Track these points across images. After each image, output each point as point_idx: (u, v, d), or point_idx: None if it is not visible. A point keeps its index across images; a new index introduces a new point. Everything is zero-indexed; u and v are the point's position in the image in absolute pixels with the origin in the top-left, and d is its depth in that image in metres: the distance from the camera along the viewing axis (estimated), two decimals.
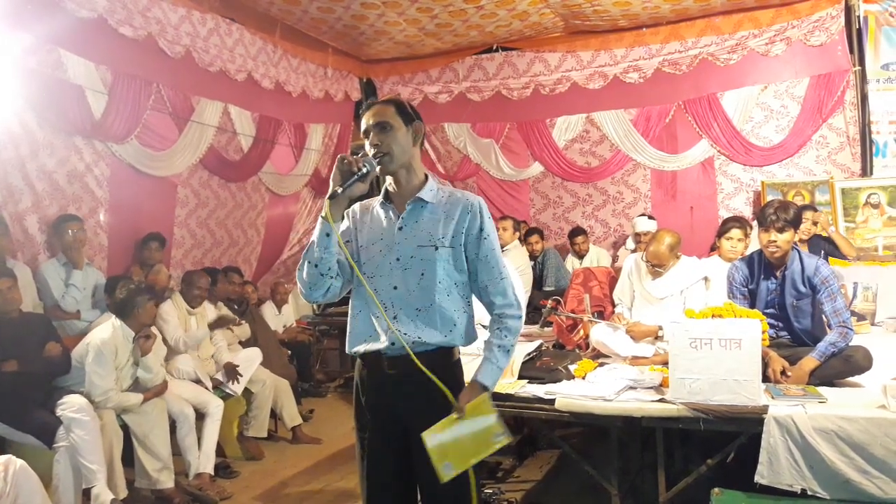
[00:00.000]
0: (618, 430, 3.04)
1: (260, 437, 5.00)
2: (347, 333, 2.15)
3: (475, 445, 1.94)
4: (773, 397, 2.80)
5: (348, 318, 2.16)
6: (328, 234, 1.98)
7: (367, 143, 2.09)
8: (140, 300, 4.00)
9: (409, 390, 2.05)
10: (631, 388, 3.08)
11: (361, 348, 2.10)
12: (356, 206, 2.20)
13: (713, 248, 5.30)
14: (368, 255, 2.10)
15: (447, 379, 2.02)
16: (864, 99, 6.01)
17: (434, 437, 1.91)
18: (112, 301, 4.31)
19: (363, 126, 2.09)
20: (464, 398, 2.00)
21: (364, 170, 1.97)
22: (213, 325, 4.99)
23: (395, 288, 2.06)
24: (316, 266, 2.01)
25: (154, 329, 4.19)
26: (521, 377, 3.33)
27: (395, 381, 2.06)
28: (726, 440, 2.85)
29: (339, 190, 1.95)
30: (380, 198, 2.18)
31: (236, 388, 4.75)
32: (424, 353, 2.01)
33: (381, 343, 2.05)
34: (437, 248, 2.05)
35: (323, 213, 1.98)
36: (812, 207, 5.33)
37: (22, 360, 3.63)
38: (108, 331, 3.91)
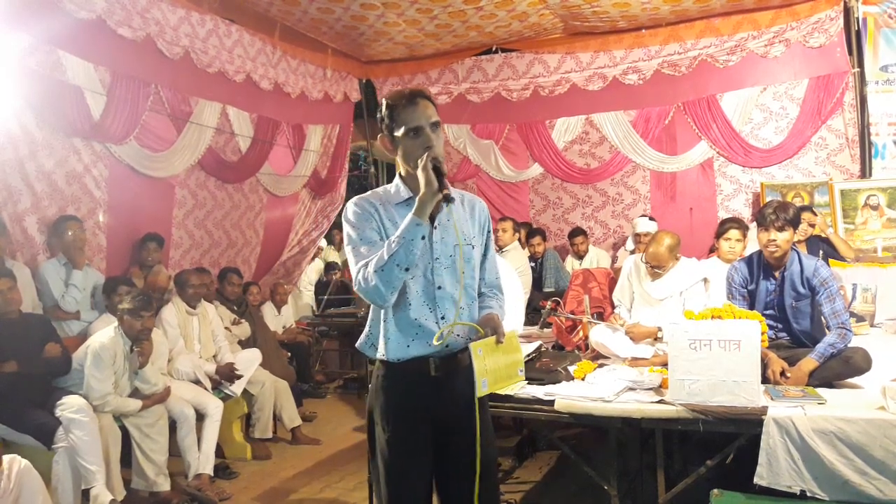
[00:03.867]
0: (617, 432, 3.03)
1: (266, 438, 5.01)
2: (383, 340, 2.06)
3: (506, 371, 2.01)
4: (772, 398, 2.80)
5: (378, 324, 2.08)
6: (424, 237, 1.92)
7: (408, 141, 1.99)
8: (142, 313, 3.96)
9: (451, 391, 2.05)
10: (630, 389, 3.08)
11: (406, 354, 2.03)
12: (376, 204, 2.07)
13: (712, 250, 5.30)
14: None
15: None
16: (863, 100, 6.02)
17: (480, 350, 1.95)
18: (111, 305, 4.31)
19: (412, 122, 1.98)
20: (500, 326, 2.02)
21: (445, 168, 1.96)
22: None
23: (440, 288, 2.04)
24: (407, 270, 1.92)
25: (154, 335, 4.18)
26: None
27: (439, 383, 2.05)
28: (725, 441, 2.85)
29: (447, 191, 1.90)
30: (396, 195, 2.09)
31: (236, 388, 4.75)
32: (465, 351, 2.05)
33: (432, 346, 2.01)
34: (473, 247, 2.11)
35: (416, 216, 1.90)
36: (809, 209, 5.34)
37: (21, 361, 3.64)
38: (108, 335, 3.91)
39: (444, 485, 2.14)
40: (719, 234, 4.48)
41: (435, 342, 1.98)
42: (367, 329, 2.14)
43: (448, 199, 1.91)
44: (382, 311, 2.06)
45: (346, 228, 2.06)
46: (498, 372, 1.98)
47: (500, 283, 2.26)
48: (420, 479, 2.08)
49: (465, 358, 2.04)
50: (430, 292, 2.03)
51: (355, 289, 1.96)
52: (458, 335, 2.05)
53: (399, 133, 2.01)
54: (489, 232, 2.21)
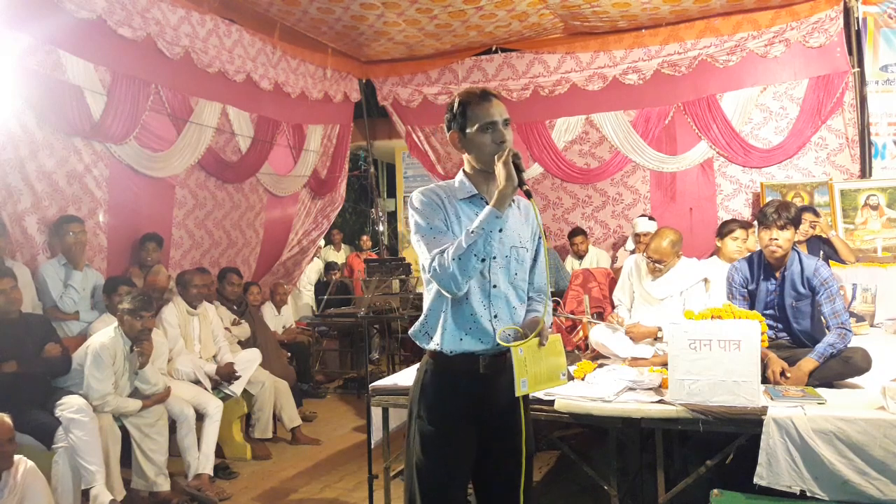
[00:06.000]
0: (617, 432, 3.03)
1: (265, 439, 5.01)
2: (440, 330, 2.08)
3: (547, 374, 2.05)
4: (772, 398, 2.80)
5: (437, 314, 2.10)
6: (501, 230, 1.96)
7: (481, 136, 2.04)
8: (142, 313, 3.96)
9: (498, 389, 2.06)
10: (630, 389, 3.08)
11: (459, 347, 2.06)
12: (443, 196, 2.11)
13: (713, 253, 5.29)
14: None
15: None
16: (863, 100, 6.02)
17: (521, 351, 1.99)
18: (111, 305, 4.31)
19: (488, 117, 2.04)
20: (545, 329, 2.05)
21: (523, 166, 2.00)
22: None
23: (495, 286, 2.08)
24: (483, 260, 1.95)
25: (154, 335, 4.18)
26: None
27: (487, 380, 2.07)
28: (725, 441, 2.85)
29: (526, 186, 1.96)
30: (461, 191, 2.12)
31: (235, 388, 4.75)
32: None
33: (484, 343, 2.05)
34: (527, 250, 2.15)
35: (496, 207, 1.94)
36: (812, 210, 5.33)
37: (21, 361, 3.64)
38: (108, 335, 3.91)
39: (484, 483, 2.16)
40: (724, 234, 4.43)
41: (499, 340, 2.02)
42: (423, 318, 2.15)
43: (529, 196, 1.99)
44: (444, 302, 2.08)
45: (415, 217, 2.07)
46: (539, 374, 2.02)
47: (548, 289, 2.28)
48: (461, 477, 2.11)
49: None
50: (486, 289, 2.07)
51: (429, 275, 1.99)
52: (509, 334, 2.08)
53: (472, 129, 2.06)
54: (540, 238, 2.25)
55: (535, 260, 2.24)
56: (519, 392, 1.96)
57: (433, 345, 2.10)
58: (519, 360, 1.97)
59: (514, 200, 2.14)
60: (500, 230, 1.95)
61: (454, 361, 2.07)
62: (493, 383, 2.07)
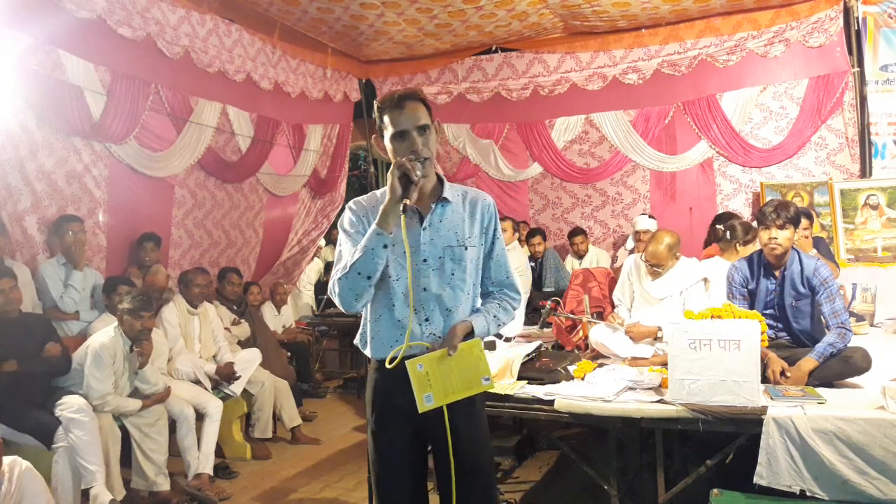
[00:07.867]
0: (617, 431, 3.03)
1: (265, 438, 5.01)
2: (369, 339, 2.10)
3: (461, 383, 1.99)
4: (772, 398, 2.80)
5: (367, 323, 2.12)
6: (386, 246, 1.92)
7: (395, 144, 1.99)
8: (142, 313, 3.95)
9: None
10: (630, 388, 3.09)
11: (389, 354, 2.02)
12: (367, 208, 2.09)
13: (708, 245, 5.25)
14: (391, 256, 2.01)
15: None
16: (862, 100, 6.01)
17: (419, 367, 1.94)
18: (111, 305, 4.31)
19: (397, 126, 1.98)
20: (455, 338, 2.00)
21: (418, 175, 1.91)
22: None
23: (425, 290, 2.04)
24: (369, 278, 1.93)
25: (153, 335, 4.18)
26: (520, 378, 3.32)
27: None
28: (725, 441, 2.86)
29: (409, 201, 1.89)
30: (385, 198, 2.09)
31: (235, 388, 4.75)
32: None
33: (413, 348, 2.01)
34: (466, 248, 2.08)
35: (378, 226, 1.91)
36: (808, 215, 5.26)
37: (21, 361, 3.64)
38: (108, 335, 3.91)
39: (439, 483, 2.16)
40: (746, 241, 4.35)
41: (387, 365, 1.97)
42: (360, 327, 2.18)
43: (405, 210, 1.90)
44: (369, 311, 2.09)
45: (340, 232, 2.10)
46: (450, 385, 1.97)
47: (513, 281, 2.23)
48: (403, 474, 2.10)
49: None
50: (416, 293, 2.03)
51: (328, 294, 2.02)
52: (439, 336, 2.04)
53: (387, 136, 2.02)
54: (495, 230, 2.17)
55: (489, 254, 2.17)
56: (422, 408, 1.92)
57: (368, 352, 2.12)
58: (418, 376, 1.92)
59: (461, 193, 2.12)
60: (386, 246, 1.92)
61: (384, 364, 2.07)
62: None
